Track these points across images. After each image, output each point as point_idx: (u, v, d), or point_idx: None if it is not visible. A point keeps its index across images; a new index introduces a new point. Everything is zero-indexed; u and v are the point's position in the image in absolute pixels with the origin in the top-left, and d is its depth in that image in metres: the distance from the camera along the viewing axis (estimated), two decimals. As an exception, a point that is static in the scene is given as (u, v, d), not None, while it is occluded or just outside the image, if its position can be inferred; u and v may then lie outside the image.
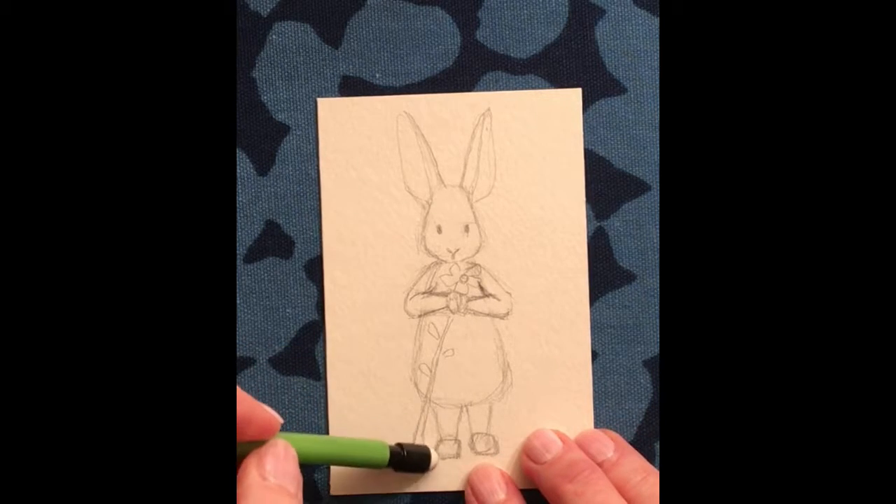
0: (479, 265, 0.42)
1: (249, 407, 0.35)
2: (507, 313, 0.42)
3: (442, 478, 0.42)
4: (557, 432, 0.41)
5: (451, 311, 0.42)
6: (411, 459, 0.41)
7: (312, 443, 0.38)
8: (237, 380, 0.42)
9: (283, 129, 0.43)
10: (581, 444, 0.41)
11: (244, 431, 0.34)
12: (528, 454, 0.41)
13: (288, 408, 0.42)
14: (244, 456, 0.35)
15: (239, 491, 0.34)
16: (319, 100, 0.43)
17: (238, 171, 0.43)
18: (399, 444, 0.41)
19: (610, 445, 0.40)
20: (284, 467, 0.35)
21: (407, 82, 0.43)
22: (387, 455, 0.40)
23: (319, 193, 0.43)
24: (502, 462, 0.42)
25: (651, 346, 0.42)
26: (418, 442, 0.42)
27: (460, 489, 0.42)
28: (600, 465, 0.40)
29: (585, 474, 0.39)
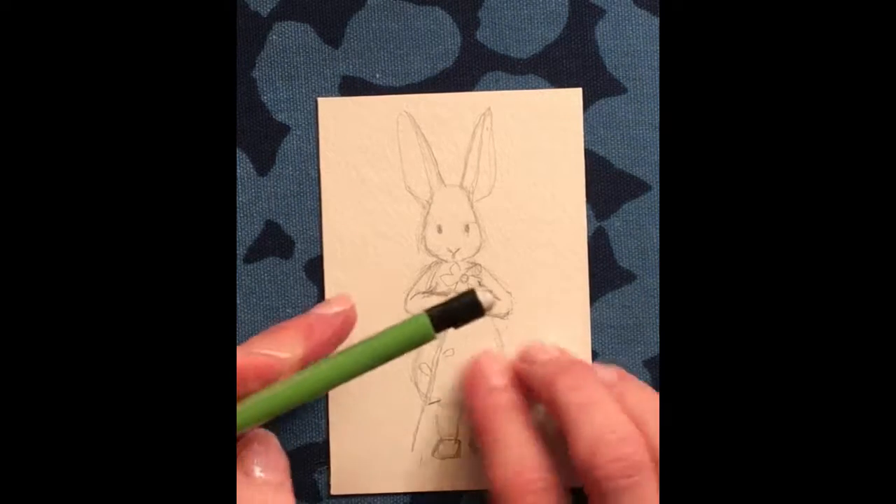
0: (480, 265, 0.42)
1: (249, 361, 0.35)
2: (508, 313, 0.42)
3: (442, 478, 0.42)
4: (554, 345, 0.41)
5: (451, 310, 0.42)
6: (457, 314, 0.36)
7: (347, 358, 0.36)
8: (237, 380, 0.42)
9: (283, 129, 0.43)
10: None
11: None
12: (521, 357, 0.40)
13: (288, 408, 0.42)
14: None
15: None
16: (319, 100, 0.43)
17: (238, 171, 0.43)
18: (435, 308, 0.36)
19: (613, 374, 0.39)
20: (265, 460, 0.35)
21: (407, 82, 0.43)
22: (430, 330, 0.36)
23: (319, 193, 0.43)
24: (502, 462, 0.42)
25: (651, 346, 0.42)
26: (417, 442, 0.42)
27: (460, 489, 0.42)
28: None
29: (580, 370, 0.38)
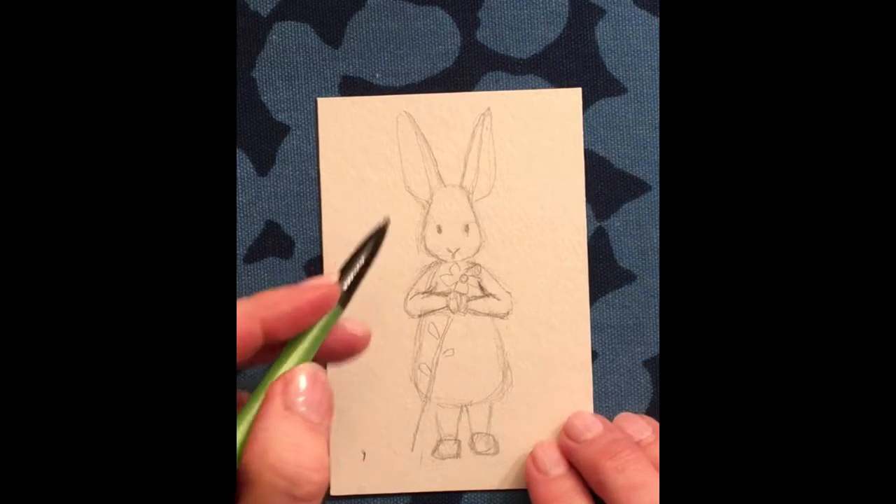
0: (479, 265, 0.42)
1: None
2: (507, 313, 0.42)
3: (442, 478, 0.42)
4: (597, 415, 0.42)
5: (451, 310, 0.42)
6: (358, 275, 0.37)
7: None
8: (237, 379, 0.42)
9: (283, 129, 0.43)
10: (619, 425, 0.41)
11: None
12: (567, 433, 0.41)
13: (288, 408, 0.42)
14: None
15: (258, 416, 0.33)
16: (319, 100, 0.43)
17: (238, 171, 0.43)
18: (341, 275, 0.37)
19: (648, 429, 0.41)
20: (310, 396, 0.34)
21: (407, 82, 0.43)
22: (338, 309, 0.37)
23: (319, 193, 0.43)
24: (503, 462, 0.42)
25: (651, 346, 0.42)
26: (417, 442, 0.42)
27: (460, 489, 0.42)
28: (636, 444, 0.40)
29: (626, 453, 0.39)
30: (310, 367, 0.35)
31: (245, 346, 0.34)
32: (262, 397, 0.34)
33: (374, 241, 0.38)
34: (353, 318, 0.37)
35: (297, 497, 0.31)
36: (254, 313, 0.34)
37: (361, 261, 0.37)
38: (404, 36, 0.43)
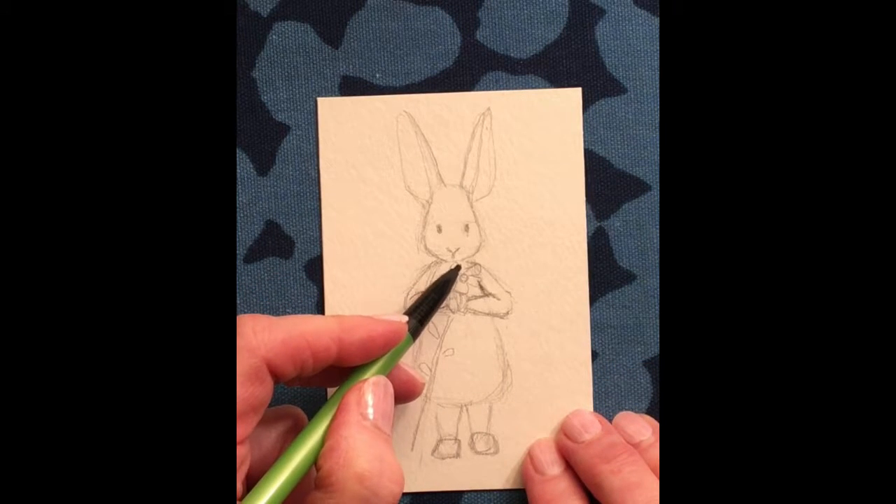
0: (479, 264, 0.42)
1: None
2: (507, 313, 0.42)
3: (442, 478, 0.42)
4: (595, 414, 0.42)
5: (451, 310, 0.42)
6: (427, 310, 0.40)
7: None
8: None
9: (283, 129, 0.43)
10: (619, 424, 0.41)
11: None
12: (566, 432, 0.41)
13: (288, 407, 0.42)
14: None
15: (335, 423, 0.35)
16: (319, 100, 0.43)
17: (238, 171, 0.43)
18: (408, 315, 0.39)
19: (648, 429, 0.41)
20: (383, 407, 0.35)
21: (407, 82, 0.43)
22: (409, 339, 0.39)
23: (319, 193, 0.43)
24: (502, 461, 0.42)
25: (651, 346, 0.42)
26: (417, 442, 0.42)
27: (460, 489, 0.42)
28: (636, 445, 0.40)
29: (623, 456, 0.39)
30: (382, 379, 0.36)
31: (318, 361, 0.35)
32: (335, 406, 0.35)
33: (444, 283, 0.41)
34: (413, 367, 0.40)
35: None
36: (337, 334, 0.35)
37: (430, 299, 0.40)
38: (404, 36, 0.43)
